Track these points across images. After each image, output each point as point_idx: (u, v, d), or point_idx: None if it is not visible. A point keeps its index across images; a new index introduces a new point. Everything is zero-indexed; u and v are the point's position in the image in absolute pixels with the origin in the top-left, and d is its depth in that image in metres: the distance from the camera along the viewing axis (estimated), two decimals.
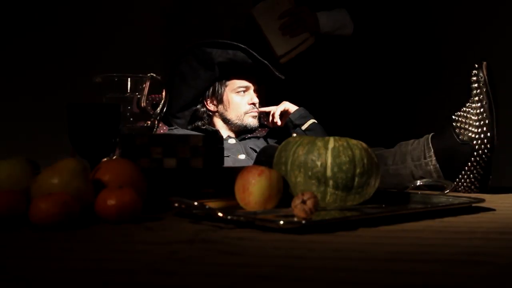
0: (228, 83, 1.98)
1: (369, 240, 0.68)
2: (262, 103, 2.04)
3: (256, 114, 1.98)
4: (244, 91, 1.97)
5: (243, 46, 1.89)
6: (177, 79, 1.98)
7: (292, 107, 1.98)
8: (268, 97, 2.11)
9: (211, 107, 2.01)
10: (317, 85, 1.98)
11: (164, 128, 2.05)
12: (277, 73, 1.93)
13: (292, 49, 1.94)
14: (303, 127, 1.93)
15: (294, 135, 1.90)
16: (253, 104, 1.97)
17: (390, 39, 2.09)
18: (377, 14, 2.07)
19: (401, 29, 2.09)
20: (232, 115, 1.97)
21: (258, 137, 2.04)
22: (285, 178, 0.90)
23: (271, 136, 2.04)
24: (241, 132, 2.00)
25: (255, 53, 1.89)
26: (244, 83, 1.97)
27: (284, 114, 1.99)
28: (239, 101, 1.96)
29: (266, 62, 1.90)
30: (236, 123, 1.97)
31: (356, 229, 0.74)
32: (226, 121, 1.99)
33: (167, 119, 2.03)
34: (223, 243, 0.66)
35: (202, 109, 2.02)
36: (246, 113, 1.96)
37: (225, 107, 1.98)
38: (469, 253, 0.61)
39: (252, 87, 1.98)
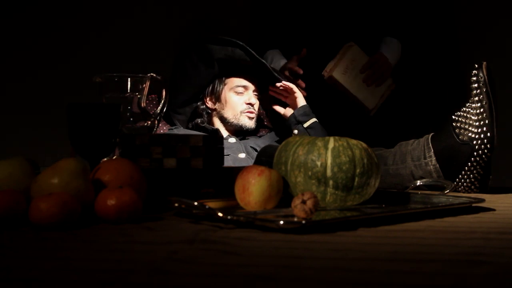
0: (227, 81, 1.97)
1: (369, 240, 0.68)
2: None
3: (253, 115, 1.97)
4: (242, 91, 1.96)
5: (241, 43, 1.89)
6: (179, 75, 1.98)
7: (300, 100, 1.93)
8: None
9: (210, 104, 2.01)
10: (318, 84, 1.98)
11: (164, 128, 2.05)
12: (275, 73, 1.93)
13: (380, 98, 1.89)
14: (305, 125, 1.92)
15: (295, 131, 1.90)
16: (250, 104, 1.96)
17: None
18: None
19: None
20: (228, 114, 1.97)
21: (258, 137, 2.04)
22: (285, 178, 0.90)
23: (272, 136, 2.04)
24: (238, 132, 1.99)
25: (253, 51, 1.88)
26: (243, 82, 1.96)
27: (291, 102, 1.94)
28: (236, 100, 1.96)
29: (264, 61, 1.89)
30: (232, 122, 1.97)
31: (356, 229, 0.74)
32: (222, 119, 1.99)
33: (168, 115, 2.03)
34: (223, 243, 0.66)
35: (202, 106, 2.02)
36: (242, 112, 1.95)
37: (222, 105, 1.98)
38: (469, 253, 0.61)
39: (251, 88, 1.98)
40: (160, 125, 1.89)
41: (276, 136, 2.05)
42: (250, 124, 1.96)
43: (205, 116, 2.02)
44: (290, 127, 1.94)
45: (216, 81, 1.98)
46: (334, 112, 1.99)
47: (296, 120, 1.93)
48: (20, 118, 2.30)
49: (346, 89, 1.85)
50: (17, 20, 2.38)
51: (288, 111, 1.96)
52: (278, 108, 2.00)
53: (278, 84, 1.90)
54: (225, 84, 1.97)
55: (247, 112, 1.95)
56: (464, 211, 0.91)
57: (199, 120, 2.01)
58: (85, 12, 2.41)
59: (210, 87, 1.99)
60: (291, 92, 1.92)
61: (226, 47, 1.90)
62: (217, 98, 1.98)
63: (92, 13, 2.41)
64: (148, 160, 1.04)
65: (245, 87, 1.96)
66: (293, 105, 1.95)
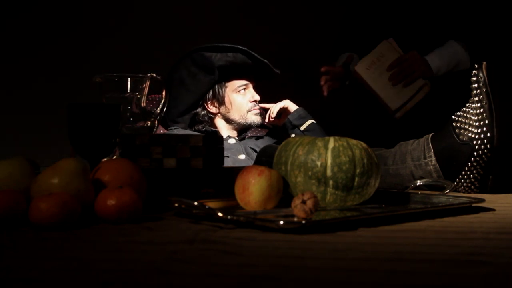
0: (227, 84, 1.99)
1: (369, 240, 0.68)
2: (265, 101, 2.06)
3: (259, 111, 2.00)
4: (244, 90, 1.98)
5: (243, 48, 1.90)
6: (176, 85, 1.99)
7: (292, 106, 1.98)
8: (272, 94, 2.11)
9: (213, 109, 2.01)
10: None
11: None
12: (275, 70, 1.96)
13: (407, 101, 1.72)
14: (302, 128, 1.93)
15: (293, 135, 1.92)
16: (255, 101, 1.98)
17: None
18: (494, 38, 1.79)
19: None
20: (235, 115, 1.98)
21: (258, 137, 2.04)
22: (285, 178, 0.90)
23: (271, 136, 2.05)
24: (244, 130, 2.02)
25: (255, 54, 1.90)
26: (243, 81, 1.98)
27: (283, 112, 2.00)
28: (241, 101, 1.98)
29: (266, 61, 1.92)
30: (240, 122, 1.99)
31: (356, 229, 0.74)
32: (229, 121, 2.00)
33: (166, 124, 2.03)
34: (223, 243, 0.66)
35: (203, 112, 2.02)
36: (249, 111, 1.98)
37: (227, 108, 1.99)
38: (469, 253, 0.61)
39: (251, 85, 2.00)
40: (160, 125, 1.89)
41: (275, 136, 2.06)
42: (258, 120, 2.00)
43: (207, 121, 2.03)
44: (287, 133, 1.96)
45: (217, 86, 1.99)
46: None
47: (292, 125, 1.95)
48: (20, 118, 2.30)
49: (369, 86, 1.74)
50: (16, 20, 2.38)
51: (284, 119, 2.00)
52: (263, 105, 2.03)
53: (270, 118, 1.99)
54: (226, 87, 1.99)
55: (253, 109, 1.98)
56: (464, 211, 0.90)
57: (200, 126, 2.02)
58: (85, 12, 2.41)
59: (211, 93, 2.00)
60: (282, 108, 1.98)
61: (225, 53, 1.92)
62: (220, 102, 1.99)
63: (92, 13, 2.41)
64: (148, 160, 1.04)
65: (246, 86, 1.98)
66: (288, 113, 1.99)
